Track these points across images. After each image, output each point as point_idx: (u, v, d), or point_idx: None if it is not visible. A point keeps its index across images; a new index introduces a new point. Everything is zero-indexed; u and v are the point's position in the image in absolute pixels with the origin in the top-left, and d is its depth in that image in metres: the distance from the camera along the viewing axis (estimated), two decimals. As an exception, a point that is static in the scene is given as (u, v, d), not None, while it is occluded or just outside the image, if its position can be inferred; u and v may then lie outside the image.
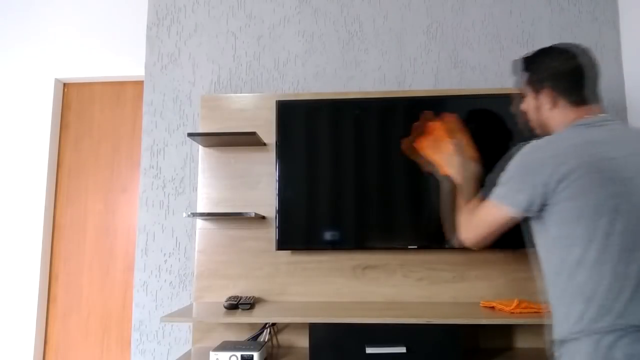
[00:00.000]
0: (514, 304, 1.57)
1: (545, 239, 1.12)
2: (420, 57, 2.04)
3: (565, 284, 1.05)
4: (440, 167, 1.53)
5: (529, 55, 1.28)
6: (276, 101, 1.91)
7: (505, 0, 2.06)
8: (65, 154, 2.34)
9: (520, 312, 1.55)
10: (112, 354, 2.17)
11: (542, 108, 1.24)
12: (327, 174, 1.85)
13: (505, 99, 1.84)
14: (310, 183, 1.85)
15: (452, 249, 1.84)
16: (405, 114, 1.86)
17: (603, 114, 1.17)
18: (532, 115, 1.29)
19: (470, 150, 1.51)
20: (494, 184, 1.20)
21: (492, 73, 2.01)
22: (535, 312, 1.57)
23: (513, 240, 1.79)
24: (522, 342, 1.80)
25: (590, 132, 1.12)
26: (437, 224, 1.80)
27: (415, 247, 1.80)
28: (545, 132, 1.25)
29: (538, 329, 1.80)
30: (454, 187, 1.46)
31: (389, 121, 1.86)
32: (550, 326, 1.12)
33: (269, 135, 1.95)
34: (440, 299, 1.84)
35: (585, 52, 1.20)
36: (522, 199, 1.10)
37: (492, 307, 1.67)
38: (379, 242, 1.82)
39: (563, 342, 1.05)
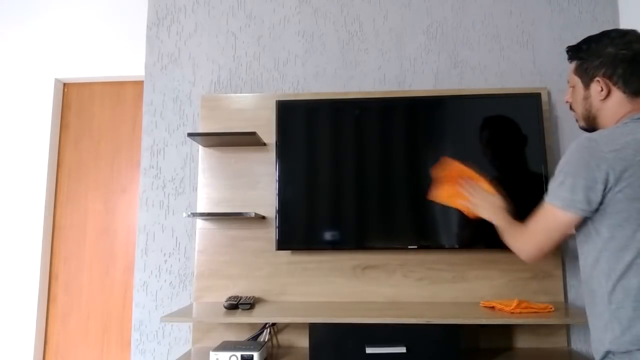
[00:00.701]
0: (514, 304, 1.57)
1: (595, 239, 1.03)
2: (420, 57, 2.04)
3: (613, 286, 0.98)
4: (467, 212, 1.49)
5: (576, 43, 1.19)
6: (276, 101, 1.91)
7: (505, 0, 2.06)
8: (65, 154, 2.34)
9: (520, 312, 1.55)
10: (112, 354, 2.17)
11: (593, 98, 1.14)
12: (327, 174, 1.85)
13: (505, 99, 1.84)
14: (310, 183, 1.85)
15: (452, 249, 1.84)
16: (405, 114, 1.86)
17: None
18: (578, 107, 1.19)
19: (485, 185, 1.48)
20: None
21: (492, 73, 2.01)
22: (535, 312, 1.57)
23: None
24: (522, 342, 1.80)
25: None
26: (437, 224, 1.80)
27: (415, 247, 1.80)
28: (591, 125, 1.17)
29: (538, 329, 1.80)
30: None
31: (389, 121, 1.86)
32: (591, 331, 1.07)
33: (269, 135, 1.95)
34: (440, 299, 1.84)
35: None
36: (580, 198, 1.01)
37: (492, 307, 1.67)
38: (379, 242, 1.82)
39: (611, 353, 0.99)
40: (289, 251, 1.89)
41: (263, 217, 1.92)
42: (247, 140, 1.87)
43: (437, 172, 1.56)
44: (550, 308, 1.60)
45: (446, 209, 1.79)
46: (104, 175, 2.30)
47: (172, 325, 1.94)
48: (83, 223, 2.28)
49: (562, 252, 1.86)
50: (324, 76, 2.05)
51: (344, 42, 2.07)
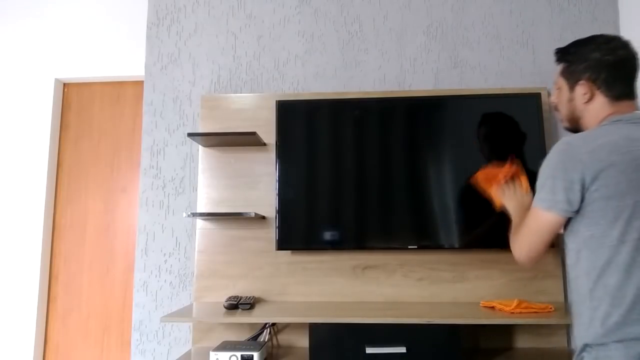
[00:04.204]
0: (514, 304, 1.57)
1: (575, 238, 1.07)
2: (420, 57, 2.04)
3: (594, 284, 1.01)
4: (495, 201, 1.53)
5: (565, 46, 1.22)
6: (276, 101, 1.91)
7: (505, 0, 2.06)
8: (65, 154, 2.34)
9: (520, 312, 1.55)
10: (112, 354, 2.17)
11: (577, 101, 1.17)
12: (327, 174, 1.85)
13: (505, 99, 1.84)
14: (310, 183, 1.85)
15: (452, 248, 1.84)
16: (405, 114, 1.86)
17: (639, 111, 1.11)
18: (563, 109, 1.23)
19: (524, 183, 1.51)
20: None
21: (492, 73, 2.01)
22: (535, 312, 1.57)
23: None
24: (522, 342, 1.80)
25: (628, 129, 1.06)
26: (437, 224, 1.80)
27: (415, 247, 1.80)
28: (575, 126, 1.20)
29: (538, 329, 1.80)
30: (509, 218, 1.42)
31: (389, 121, 1.86)
32: (574, 328, 1.09)
33: (269, 135, 1.95)
34: (440, 299, 1.84)
35: (627, 44, 1.14)
36: (561, 199, 1.05)
37: (492, 307, 1.67)
38: (379, 242, 1.82)
39: (588, 346, 1.02)
40: (289, 251, 1.89)
41: (263, 217, 1.92)
42: (247, 140, 1.87)
43: (491, 167, 1.58)
44: (550, 308, 1.60)
45: (446, 208, 1.80)
46: (104, 175, 2.30)
47: (172, 325, 1.94)
48: (83, 223, 2.28)
49: (562, 253, 1.86)
50: (324, 76, 2.05)
51: (344, 42, 2.07)
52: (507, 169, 1.57)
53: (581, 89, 1.15)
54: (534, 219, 1.13)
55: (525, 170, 1.78)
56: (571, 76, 1.18)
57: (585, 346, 1.02)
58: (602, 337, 0.98)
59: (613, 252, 0.99)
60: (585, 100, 1.15)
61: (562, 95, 1.22)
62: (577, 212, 1.05)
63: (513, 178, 1.56)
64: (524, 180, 1.55)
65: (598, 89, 1.13)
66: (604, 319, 0.98)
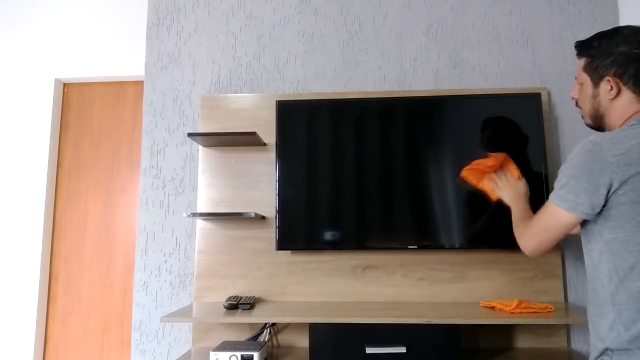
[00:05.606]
0: (514, 304, 1.57)
1: (597, 240, 1.04)
2: (420, 57, 2.04)
3: (616, 288, 0.99)
4: (489, 194, 1.57)
5: (587, 38, 1.16)
6: (276, 101, 1.91)
7: (505, 0, 2.06)
8: (65, 154, 2.34)
9: (520, 312, 1.55)
10: (112, 354, 2.17)
11: (602, 97, 1.12)
12: (327, 174, 1.85)
13: (505, 99, 1.84)
14: (310, 183, 1.85)
15: (452, 248, 1.84)
16: (405, 114, 1.86)
17: None
18: (586, 105, 1.17)
19: (514, 171, 1.54)
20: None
21: (492, 73, 2.01)
22: (535, 312, 1.57)
23: (513, 240, 1.79)
24: (522, 342, 1.80)
25: None
26: (437, 224, 1.80)
27: (415, 247, 1.80)
28: (598, 124, 1.16)
29: (538, 329, 1.80)
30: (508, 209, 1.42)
31: (389, 121, 1.86)
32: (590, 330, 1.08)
33: (269, 135, 1.95)
34: (440, 299, 1.84)
35: None
36: (584, 202, 1.01)
37: (492, 307, 1.67)
38: (379, 242, 1.82)
39: (609, 349, 1.00)
40: (289, 251, 1.89)
41: (263, 217, 1.92)
42: (247, 140, 1.87)
43: (474, 162, 1.62)
44: (550, 308, 1.60)
45: (446, 208, 1.80)
46: (104, 175, 2.30)
47: (172, 325, 1.94)
48: (83, 223, 2.28)
49: (562, 252, 1.86)
50: (324, 76, 2.05)
51: (344, 42, 2.07)
52: (493, 160, 1.59)
53: (606, 85, 1.10)
54: (550, 216, 1.10)
55: (526, 171, 1.79)
56: (595, 71, 1.13)
57: (606, 350, 1.00)
58: (627, 343, 0.96)
59: (638, 257, 0.96)
60: (611, 97, 1.10)
61: (584, 91, 1.17)
62: (599, 214, 1.02)
63: (502, 168, 1.58)
64: (513, 168, 1.58)
65: (625, 84, 1.08)
66: (629, 325, 0.96)
